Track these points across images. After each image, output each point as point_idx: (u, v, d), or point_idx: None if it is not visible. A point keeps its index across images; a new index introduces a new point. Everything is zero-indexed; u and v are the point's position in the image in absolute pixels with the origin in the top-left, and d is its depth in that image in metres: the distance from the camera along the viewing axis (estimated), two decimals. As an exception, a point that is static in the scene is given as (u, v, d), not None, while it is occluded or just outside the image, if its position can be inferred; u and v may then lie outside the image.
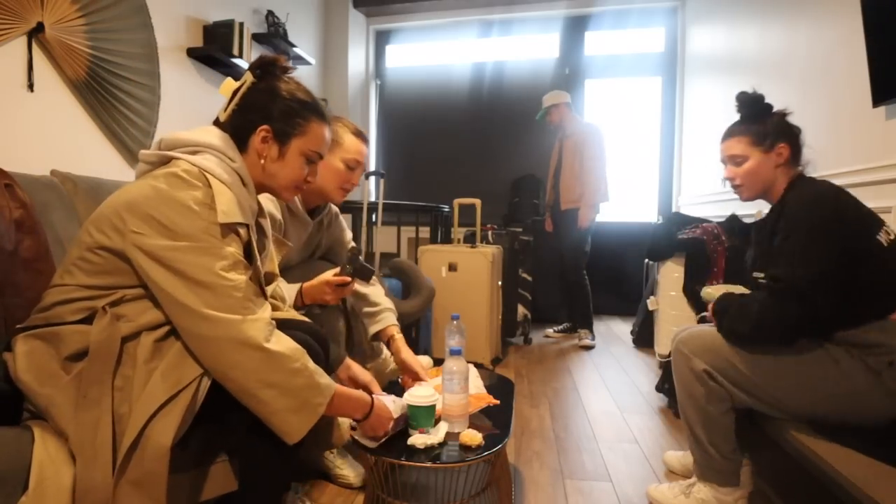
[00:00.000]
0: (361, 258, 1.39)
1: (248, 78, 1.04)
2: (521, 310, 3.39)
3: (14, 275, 1.10)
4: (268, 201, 1.35)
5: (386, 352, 1.81)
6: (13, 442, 0.82)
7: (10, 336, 0.94)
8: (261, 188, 1.07)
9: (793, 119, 1.35)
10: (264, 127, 1.01)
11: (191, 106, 2.76)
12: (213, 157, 0.96)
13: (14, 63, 1.84)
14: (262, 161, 1.03)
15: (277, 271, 1.25)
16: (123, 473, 0.81)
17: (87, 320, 0.89)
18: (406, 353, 1.55)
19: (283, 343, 0.90)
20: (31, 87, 1.89)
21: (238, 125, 1.02)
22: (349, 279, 1.35)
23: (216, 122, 1.05)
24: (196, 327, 0.85)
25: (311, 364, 0.93)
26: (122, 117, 2.29)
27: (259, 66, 1.04)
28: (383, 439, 1.14)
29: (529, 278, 3.50)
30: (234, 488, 1.01)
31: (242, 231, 0.95)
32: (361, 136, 1.54)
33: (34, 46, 1.89)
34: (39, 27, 1.88)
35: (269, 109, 1.02)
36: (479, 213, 3.07)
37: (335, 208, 1.74)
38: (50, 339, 0.88)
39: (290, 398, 0.89)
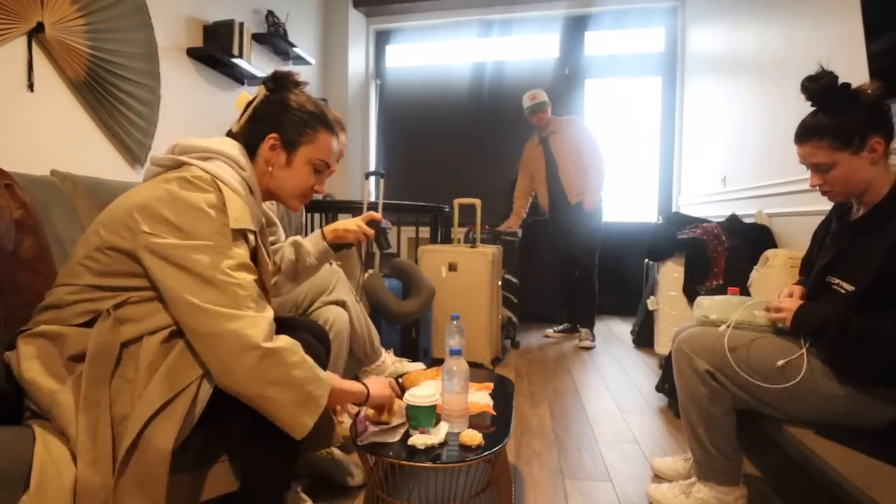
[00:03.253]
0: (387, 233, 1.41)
1: (262, 91, 1.08)
2: (505, 313, 3.22)
3: (14, 275, 1.10)
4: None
5: (384, 355, 1.81)
6: (14, 441, 0.82)
7: (10, 336, 0.94)
8: (268, 196, 1.10)
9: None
10: (273, 135, 1.05)
11: (191, 106, 2.76)
12: (225, 165, 0.98)
13: (14, 63, 1.84)
14: (271, 168, 1.06)
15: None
16: (123, 475, 0.81)
17: (91, 323, 0.89)
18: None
19: (281, 339, 0.92)
20: (31, 87, 1.89)
21: (249, 135, 1.06)
22: (380, 217, 1.35)
23: (229, 134, 1.08)
24: (199, 324, 0.86)
25: (310, 358, 0.95)
26: (122, 117, 2.29)
27: (272, 80, 1.08)
28: (397, 426, 1.17)
29: (515, 280, 3.37)
30: (234, 488, 1.01)
31: (251, 237, 0.97)
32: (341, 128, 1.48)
33: (34, 46, 1.89)
34: (39, 27, 1.88)
35: (279, 119, 1.06)
36: (479, 213, 3.07)
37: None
38: (54, 339, 0.89)
39: (293, 391, 0.89)
